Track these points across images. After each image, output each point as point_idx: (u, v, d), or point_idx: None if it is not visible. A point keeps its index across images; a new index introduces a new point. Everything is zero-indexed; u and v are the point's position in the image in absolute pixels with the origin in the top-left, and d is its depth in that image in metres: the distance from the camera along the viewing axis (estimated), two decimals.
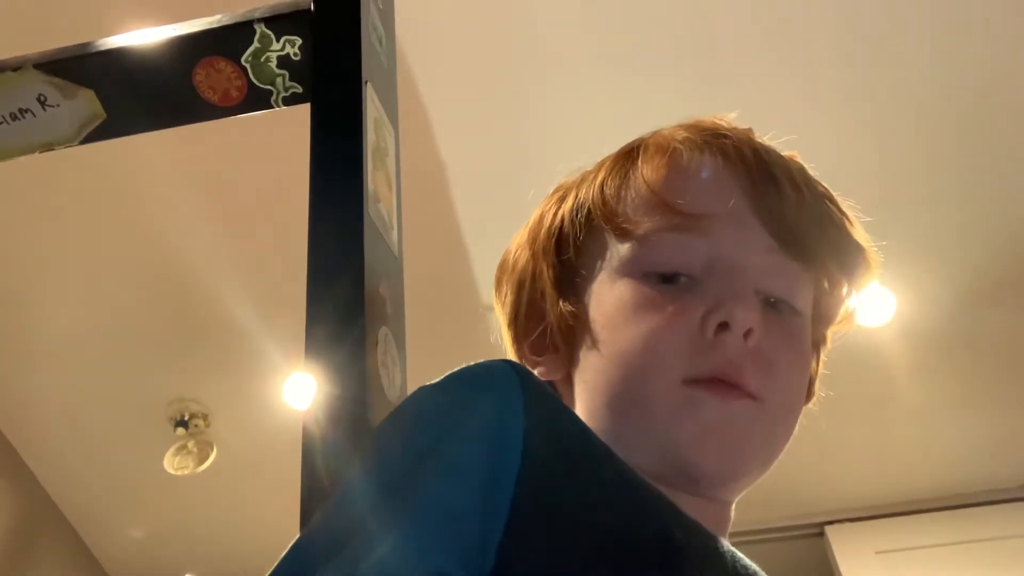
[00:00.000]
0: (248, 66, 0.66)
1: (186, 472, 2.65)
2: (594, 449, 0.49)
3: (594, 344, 0.63)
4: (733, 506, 0.64)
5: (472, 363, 0.49)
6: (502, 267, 0.73)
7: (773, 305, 0.62)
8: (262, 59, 0.66)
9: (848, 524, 2.82)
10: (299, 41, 0.65)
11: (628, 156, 0.67)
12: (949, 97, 2.02)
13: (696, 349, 0.58)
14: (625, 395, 0.60)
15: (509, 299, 0.71)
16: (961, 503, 2.77)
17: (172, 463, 2.65)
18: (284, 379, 2.52)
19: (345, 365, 0.50)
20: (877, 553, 2.73)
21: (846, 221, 0.66)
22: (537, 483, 0.43)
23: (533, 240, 0.70)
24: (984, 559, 2.63)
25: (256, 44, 0.65)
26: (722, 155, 0.64)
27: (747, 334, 0.58)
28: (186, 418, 2.64)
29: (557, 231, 0.68)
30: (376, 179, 0.58)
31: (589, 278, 0.65)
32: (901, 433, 2.64)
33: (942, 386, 2.54)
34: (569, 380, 0.66)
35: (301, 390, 2.48)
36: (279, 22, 0.65)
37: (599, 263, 0.65)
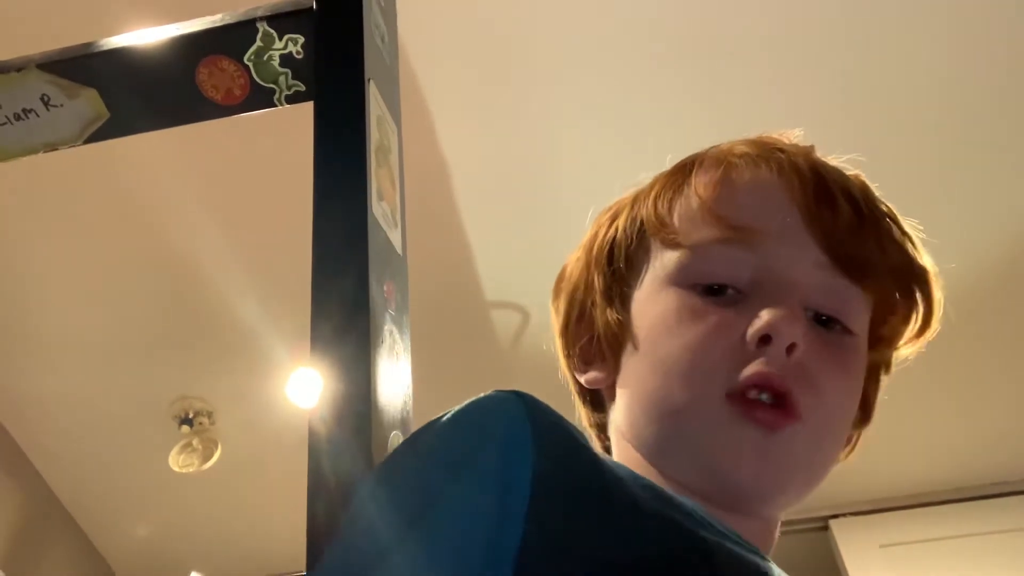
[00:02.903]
0: (251, 65, 0.66)
1: (191, 470, 2.65)
2: (606, 479, 0.48)
3: (638, 353, 0.63)
4: (778, 524, 0.62)
5: (480, 396, 0.49)
6: (560, 277, 0.73)
7: (824, 324, 0.60)
8: (265, 58, 0.66)
9: (852, 518, 2.82)
10: (301, 39, 0.65)
11: (683, 169, 0.67)
12: (949, 99, 2.02)
13: (737, 362, 0.57)
14: (664, 405, 0.59)
15: (563, 308, 0.71)
16: (966, 496, 2.77)
17: (177, 461, 2.65)
18: (289, 376, 2.52)
19: (350, 362, 0.51)
20: (881, 547, 2.73)
21: (908, 242, 0.64)
22: (546, 522, 0.43)
23: (588, 251, 0.70)
24: (989, 552, 2.63)
25: (259, 43, 0.66)
26: (778, 170, 0.63)
27: (790, 349, 0.56)
28: (191, 416, 2.64)
29: (610, 242, 0.68)
30: (379, 177, 0.58)
31: (637, 287, 0.65)
32: (905, 426, 2.64)
33: (947, 379, 2.54)
34: (615, 388, 0.65)
35: (305, 387, 2.49)
36: (281, 20, 0.65)
37: (647, 273, 0.64)
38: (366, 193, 0.55)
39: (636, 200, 0.68)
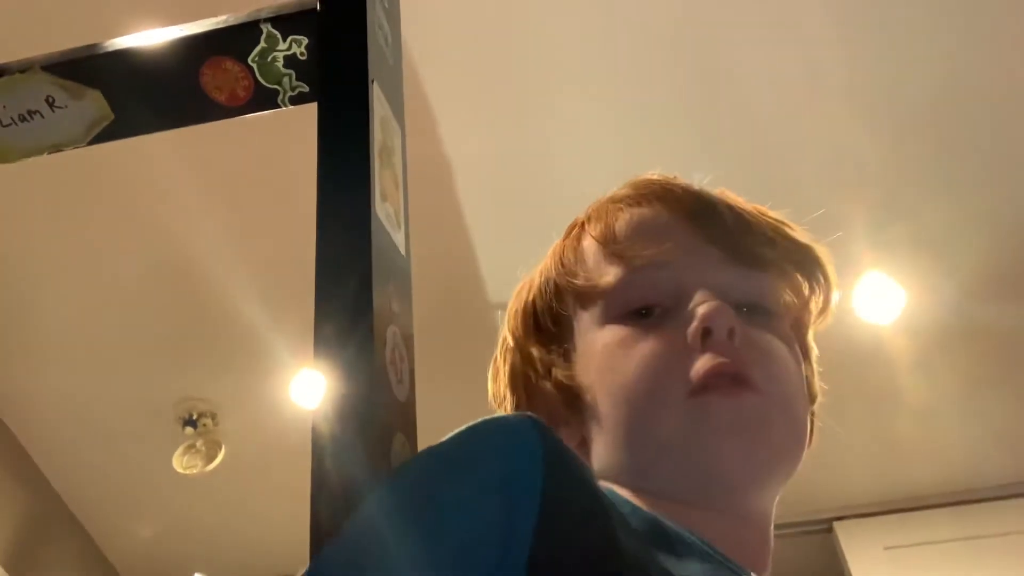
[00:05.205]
0: (255, 66, 0.66)
1: (195, 471, 2.66)
2: (610, 511, 0.49)
3: (596, 395, 0.66)
4: (771, 530, 0.65)
5: (495, 416, 0.50)
6: (495, 370, 0.77)
7: (746, 312, 0.65)
8: (269, 59, 0.66)
9: (857, 520, 2.81)
10: (305, 41, 0.65)
11: (573, 230, 0.73)
12: (957, 91, 2.02)
13: (687, 365, 0.61)
14: (637, 426, 0.63)
15: (508, 395, 0.74)
16: (970, 499, 2.77)
17: (181, 462, 2.66)
18: (292, 378, 2.52)
19: (353, 363, 0.50)
20: (886, 549, 2.72)
21: (784, 226, 0.71)
22: (553, 544, 0.43)
23: (514, 331, 0.74)
24: (993, 555, 2.63)
25: (263, 44, 0.66)
26: (657, 200, 0.70)
27: (730, 334, 0.61)
28: (194, 417, 2.65)
29: (532, 311, 0.73)
30: (383, 178, 0.58)
31: (573, 341, 0.69)
32: (910, 428, 2.64)
33: (951, 381, 2.53)
34: (585, 443, 0.67)
35: (309, 389, 2.49)
36: (285, 22, 0.65)
37: (578, 324, 0.69)
38: (369, 194, 0.55)
39: (542, 271, 0.74)
